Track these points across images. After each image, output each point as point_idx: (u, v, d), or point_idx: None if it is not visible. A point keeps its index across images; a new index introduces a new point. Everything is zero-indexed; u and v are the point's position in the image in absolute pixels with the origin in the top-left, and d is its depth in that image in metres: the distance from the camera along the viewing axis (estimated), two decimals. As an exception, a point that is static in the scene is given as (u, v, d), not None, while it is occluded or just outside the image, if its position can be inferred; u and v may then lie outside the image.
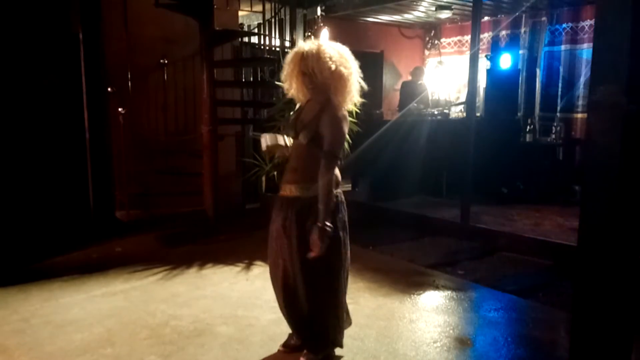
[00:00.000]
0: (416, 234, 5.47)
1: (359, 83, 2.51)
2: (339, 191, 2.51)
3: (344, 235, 2.52)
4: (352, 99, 2.51)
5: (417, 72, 7.70)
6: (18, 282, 3.79)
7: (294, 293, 2.52)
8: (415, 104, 7.13)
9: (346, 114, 2.49)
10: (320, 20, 7.52)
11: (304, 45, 2.44)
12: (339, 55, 2.42)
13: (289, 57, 2.48)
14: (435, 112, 7.41)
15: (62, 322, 3.14)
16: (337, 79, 2.40)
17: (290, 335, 2.75)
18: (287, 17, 6.60)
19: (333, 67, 2.36)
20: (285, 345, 2.76)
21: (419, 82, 7.62)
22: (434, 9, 7.47)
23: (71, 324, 3.13)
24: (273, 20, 6.56)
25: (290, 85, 2.51)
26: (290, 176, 2.52)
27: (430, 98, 7.88)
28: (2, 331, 3.04)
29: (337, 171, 2.48)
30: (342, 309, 2.61)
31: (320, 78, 2.38)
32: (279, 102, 5.28)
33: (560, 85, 7.50)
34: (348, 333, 2.96)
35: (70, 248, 4.61)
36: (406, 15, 8.23)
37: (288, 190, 2.51)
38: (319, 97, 2.45)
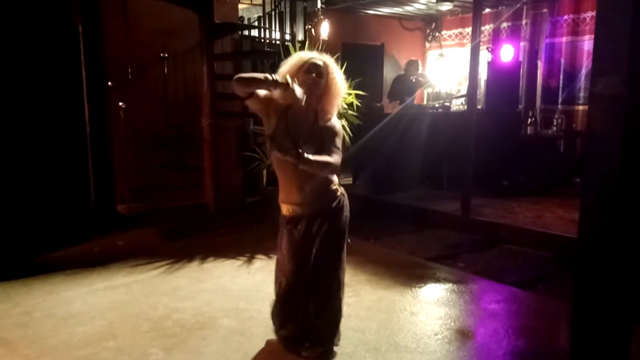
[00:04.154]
0: (417, 226, 5.47)
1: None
2: (342, 190, 2.58)
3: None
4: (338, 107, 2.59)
5: (409, 66, 7.47)
6: (20, 276, 3.81)
7: (299, 301, 2.56)
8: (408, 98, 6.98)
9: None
10: (320, 12, 7.49)
11: (309, 54, 2.51)
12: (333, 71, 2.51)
13: (291, 63, 2.49)
14: (437, 105, 7.38)
15: (65, 316, 3.16)
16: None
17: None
18: (288, 9, 6.58)
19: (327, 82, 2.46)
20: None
21: (411, 78, 7.36)
22: (434, 0, 7.43)
23: (74, 317, 3.14)
24: (273, 13, 6.55)
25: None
26: (296, 197, 2.48)
27: (429, 91, 7.74)
28: (4, 324, 3.05)
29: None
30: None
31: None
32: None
33: (561, 77, 7.48)
34: (350, 325, 2.98)
35: (72, 242, 4.62)
36: (407, 7, 8.19)
37: (292, 211, 2.52)
38: (304, 110, 2.46)
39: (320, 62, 2.45)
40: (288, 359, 2.63)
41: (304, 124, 2.45)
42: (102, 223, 5.13)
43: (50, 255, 4.34)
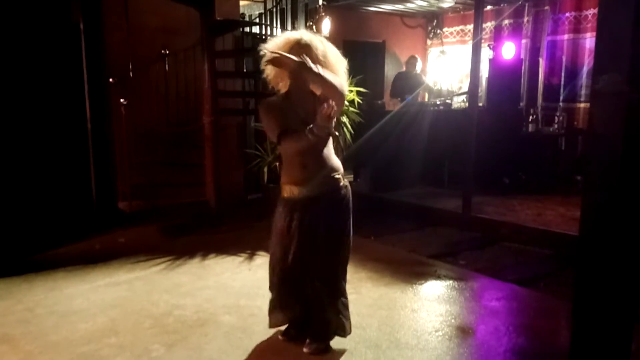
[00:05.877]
0: (418, 224, 5.48)
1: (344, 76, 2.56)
2: (346, 182, 2.60)
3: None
4: None
5: (410, 62, 7.54)
6: (22, 273, 3.82)
7: (303, 283, 2.59)
8: (409, 96, 7.02)
9: None
10: (321, 9, 7.48)
11: (296, 34, 2.49)
12: (324, 47, 2.48)
13: (279, 43, 2.46)
14: (438, 102, 7.38)
15: (67, 312, 3.17)
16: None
17: (290, 325, 2.78)
18: (289, 6, 6.57)
19: (321, 58, 2.42)
20: (285, 334, 2.79)
21: (414, 73, 7.49)
22: (436, -2, 7.43)
23: (75, 313, 3.15)
24: (274, 9, 6.53)
25: (273, 71, 2.53)
26: (300, 175, 2.50)
27: (428, 89, 7.77)
28: (7, 321, 3.07)
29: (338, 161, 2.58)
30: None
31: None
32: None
33: (563, 74, 7.46)
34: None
35: (73, 239, 4.63)
36: (408, 5, 8.17)
37: (296, 192, 2.52)
38: (305, 87, 2.46)
39: (306, 41, 2.43)
40: (289, 356, 2.65)
41: (307, 105, 2.47)
42: (103, 220, 5.14)
43: (51, 252, 4.35)
